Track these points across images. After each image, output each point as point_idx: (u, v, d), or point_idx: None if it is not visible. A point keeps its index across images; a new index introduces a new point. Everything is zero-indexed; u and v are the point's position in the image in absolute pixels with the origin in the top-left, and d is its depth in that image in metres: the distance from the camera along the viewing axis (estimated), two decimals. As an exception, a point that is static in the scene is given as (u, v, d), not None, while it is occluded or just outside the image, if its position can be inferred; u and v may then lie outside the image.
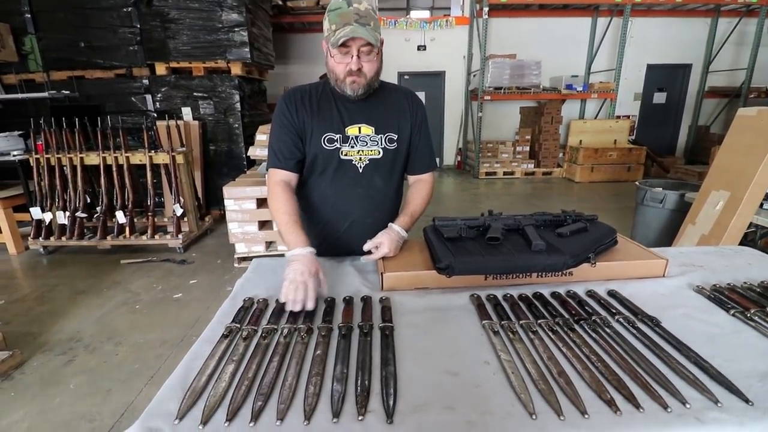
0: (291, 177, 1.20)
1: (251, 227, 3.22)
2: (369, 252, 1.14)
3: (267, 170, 1.21)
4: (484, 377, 0.74)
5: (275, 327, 0.89)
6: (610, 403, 0.67)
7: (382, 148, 1.20)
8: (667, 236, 2.92)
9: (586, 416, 0.65)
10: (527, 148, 7.07)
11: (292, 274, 0.97)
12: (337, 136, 1.17)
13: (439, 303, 1.00)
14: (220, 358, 0.78)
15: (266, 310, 0.97)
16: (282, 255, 3.31)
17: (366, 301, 1.00)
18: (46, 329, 2.38)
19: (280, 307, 0.97)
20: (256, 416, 0.64)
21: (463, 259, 1.01)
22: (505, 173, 7.01)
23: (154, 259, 3.44)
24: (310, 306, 0.93)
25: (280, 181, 1.18)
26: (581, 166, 6.54)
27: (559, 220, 1.22)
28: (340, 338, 0.85)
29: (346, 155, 1.18)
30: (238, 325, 0.89)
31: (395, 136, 1.20)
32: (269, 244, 3.33)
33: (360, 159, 1.19)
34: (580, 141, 6.85)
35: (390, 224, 1.19)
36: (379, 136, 1.19)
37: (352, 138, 1.17)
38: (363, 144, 1.18)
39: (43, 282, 3.06)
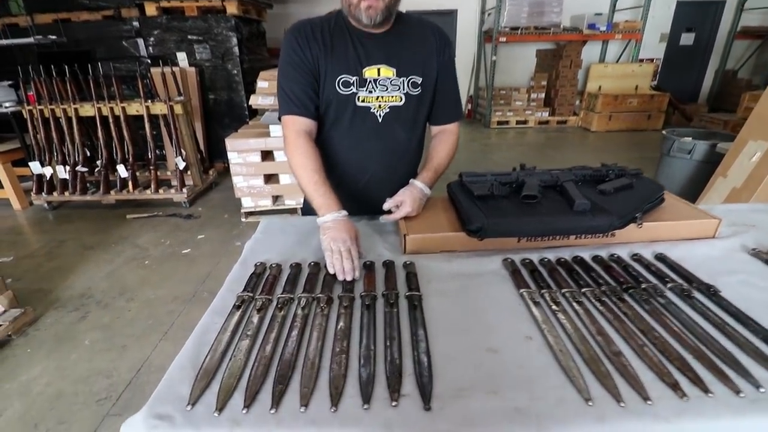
0: (311, 126, 1.05)
1: (257, 181, 3.11)
2: (389, 211, 1.04)
3: (279, 118, 1.07)
4: (527, 355, 0.66)
5: (291, 296, 0.80)
6: (675, 387, 0.59)
7: (404, 94, 1.05)
8: (694, 189, 2.78)
9: (649, 403, 0.57)
10: (542, 95, 6.69)
11: (334, 243, 0.88)
12: (353, 78, 1.01)
13: (468, 268, 0.91)
14: (233, 333, 0.71)
15: (280, 277, 0.89)
16: (291, 210, 3.23)
17: (389, 266, 0.91)
18: (56, 285, 2.37)
19: (295, 273, 0.89)
20: (277, 402, 0.57)
21: (497, 220, 0.90)
22: (517, 122, 6.70)
23: (160, 214, 3.38)
24: (357, 275, 0.86)
25: (300, 131, 1.03)
26: (599, 114, 6.21)
27: (601, 175, 1.09)
28: (364, 309, 0.77)
29: (363, 102, 1.03)
30: (251, 294, 0.81)
31: (419, 80, 1.05)
32: (276, 199, 3.24)
33: (379, 107, 1.04)
34: (599, 87, 6.45)
35: (412, 181, 1.07)
36: (401, 79, 1.03)
37: (371, 81, 1.02)
38: (383, 89, 1.03)
39: (50, 237, 3.03)
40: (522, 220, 0.91)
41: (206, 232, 3.07)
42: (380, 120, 1.05)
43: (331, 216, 0.92)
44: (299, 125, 1.03)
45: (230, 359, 0.64)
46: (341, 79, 1.01)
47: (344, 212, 0.94)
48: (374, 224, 1.11)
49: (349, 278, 0.85)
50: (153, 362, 1.79)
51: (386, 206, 1.03)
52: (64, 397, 1.60)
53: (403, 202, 1.01)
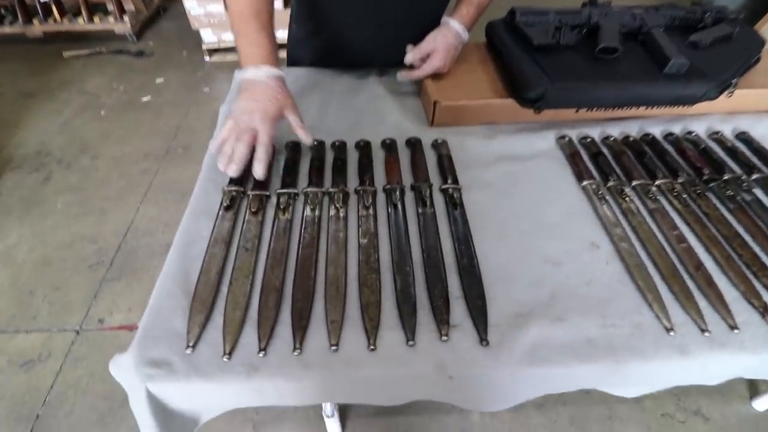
0: None
1: (215, 6, 2.48)
2: (410, 66, 0.77)
3: None
4: (595, 268, 0.55)
5: (294, 191, 0.62)
6: (765, 311, 0.51)
7: None
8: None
9: (736, 331, 0.49)
10: None
11: (239, 112, 0.60)
12: None
13: (515, 148, 0.72)
14: (228, 245, 0.55)
15: (275, 162, 0.69)
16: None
17: (415, 146, 0.71)
18: (5, 143, 2.06)
19: (294, 157, 0.68)
20: (300, 340, 0.46)
21: (565, 85, 0.67)
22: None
23: (103, 51, 2.79)
24: (258, 173, 0.60)
25: None
26: None
27: (693, 20, 0.81)
28: (391, 208, 0.60)
29: None
30: (241, 189, 0.62)
31: None
32: (244, 33, 2.66)
33: None
34: None
35: (445, 19, 0.76)
36: None
37: None
38: None
39: (-25, 81, 2.52)
40: (597, 85, 0.68)
41: (165, 74, 2.60)
42: None
43: (252, 71, 0.61)
44: None
45: (230, 283, 0.50)
46: None
47: (276, 71, 0.63)
48: (386, 82, 0.86)
49: (232, 173, 0.60)
50: (138, 226, 1.69)
51: (409, 59, 0.75)
52: (53, 263, 1.54)
53: (434, 51, 0.73)
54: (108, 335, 1.37)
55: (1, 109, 2.29)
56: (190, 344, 0.45)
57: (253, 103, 0.60)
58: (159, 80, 2.55)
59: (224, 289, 0.50)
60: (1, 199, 1.77)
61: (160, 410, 0.45)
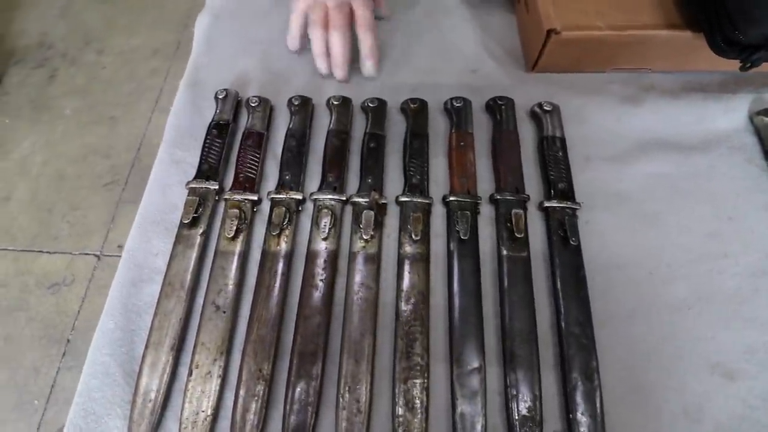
0: None
1: None
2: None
3: None
4: (809, 395, 0.31)
5: (299, 196, 0.38)
6: None
7: None
8: None
9: None
10: None
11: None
12: None
13: (676, 126, 0.42)
14: (191, 295, 0.34)
15: (271, 133, 0.43)
16: None
17: (501, 115, 0.42)
18: (5, 30, 1.82)
19: (302, 126, 0.42)
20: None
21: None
22: None
23: None
24: (371, 72, 0.44)
25: None
26: None
27: None
28: (454, 244, 0.36)
29: None
30: (216, 187, 0.39)
31: None
32: None
33: None
34: None
35: None
36: None
37: None
38: None
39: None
40: None
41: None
42: None
43: None
44: None
45: (190, 372, 0.31)
46: None
47: None
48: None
49: (339, 76, 0.44)
50: (152, 140, 1.52)
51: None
52: (67, 179, 1.43)
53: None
54: (129, 262, 1.31)
55: (-7, -14, 2.00)
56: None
57: None
58: (164, -53, 2.09)
59: (183, 375, 0.32)
60: (9, 100, 1.62)
61: None
